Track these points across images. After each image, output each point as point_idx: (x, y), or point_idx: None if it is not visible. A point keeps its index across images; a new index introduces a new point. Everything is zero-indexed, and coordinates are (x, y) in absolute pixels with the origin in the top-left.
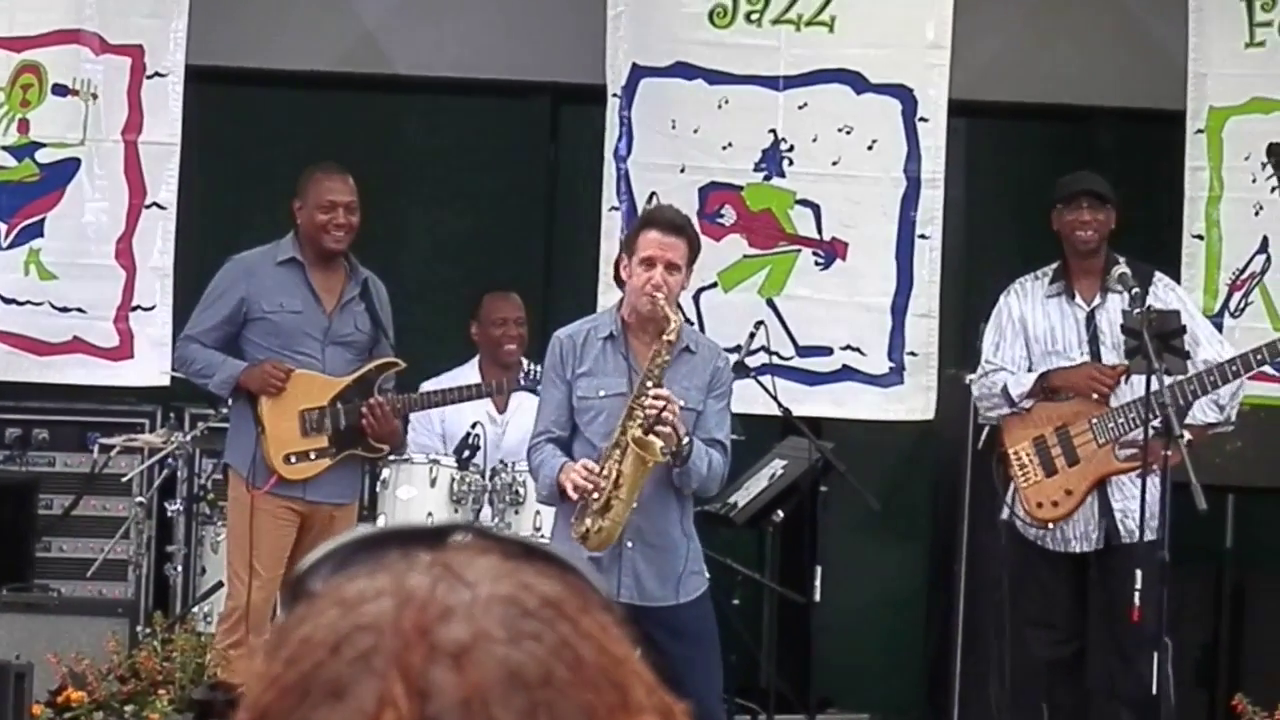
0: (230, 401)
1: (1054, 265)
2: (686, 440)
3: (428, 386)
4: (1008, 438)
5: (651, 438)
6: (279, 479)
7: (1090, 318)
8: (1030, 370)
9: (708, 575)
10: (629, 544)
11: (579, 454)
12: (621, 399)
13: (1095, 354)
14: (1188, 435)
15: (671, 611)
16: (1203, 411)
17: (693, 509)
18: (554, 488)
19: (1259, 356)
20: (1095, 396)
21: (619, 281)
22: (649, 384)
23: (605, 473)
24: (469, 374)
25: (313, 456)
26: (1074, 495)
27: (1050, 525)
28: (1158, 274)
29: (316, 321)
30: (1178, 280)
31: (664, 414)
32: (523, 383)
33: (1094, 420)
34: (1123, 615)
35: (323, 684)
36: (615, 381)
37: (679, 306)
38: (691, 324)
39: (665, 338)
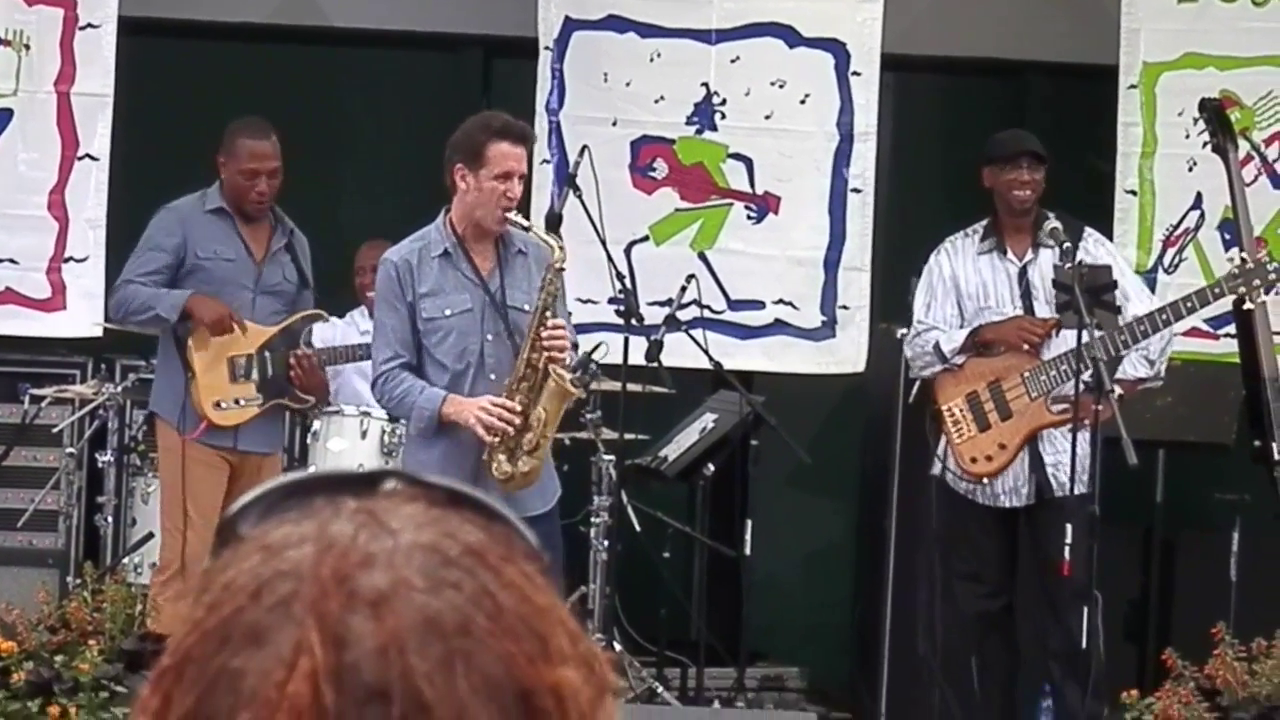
0: (158, 350)
1: (984, 222)
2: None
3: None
4: (941, 394)
5: (565, 372)
6: (209, 425)
7: (1023, 273)
8: (963, 328)
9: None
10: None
11: (431, 377)
12: (469, 315)
13: (1029, 309)
14: (1119, 390)
15: (538, 520)
16: (1133, 366)
17: None
18: (432, 421)
19: (1189, 304)
20: (1026, 347)
21: (451, 189)
22: (547, 315)
23: (517, 408)
24: (361, 320)
25: (241, 403)
26: (1007, 449)
27: (984, 480)
28: (1088, 229)
29: (248, 270)
30: (1110, 237)
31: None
32: None
33: (1026, 374)
34: (1053, 569)
35: (242, 629)
36: (460, 298)
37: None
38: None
39: (554, 265)
